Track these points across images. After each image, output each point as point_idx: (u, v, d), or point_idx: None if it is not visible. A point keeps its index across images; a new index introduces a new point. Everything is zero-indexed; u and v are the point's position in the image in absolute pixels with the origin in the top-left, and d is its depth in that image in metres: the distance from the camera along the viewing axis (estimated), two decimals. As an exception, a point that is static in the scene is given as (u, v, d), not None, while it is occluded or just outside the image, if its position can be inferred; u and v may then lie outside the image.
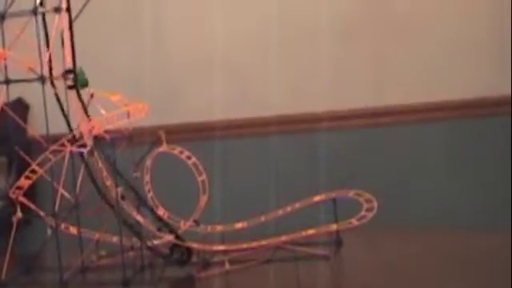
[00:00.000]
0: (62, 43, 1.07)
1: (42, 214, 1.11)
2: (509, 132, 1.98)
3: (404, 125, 2.09)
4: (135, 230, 1.14)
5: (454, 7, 2.09)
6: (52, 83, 1.05)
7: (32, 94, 1.31)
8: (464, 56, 2.07)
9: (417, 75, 2.10)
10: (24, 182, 1.06)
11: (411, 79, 2.10)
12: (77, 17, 1.07)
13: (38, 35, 1.03)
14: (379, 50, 2.10)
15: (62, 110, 1.07)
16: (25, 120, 1.90)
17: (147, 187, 1.21)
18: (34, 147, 1.09)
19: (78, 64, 1.07)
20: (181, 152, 1.19)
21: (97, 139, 1.08)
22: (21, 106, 2.03)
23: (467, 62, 2.07)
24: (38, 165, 1.05)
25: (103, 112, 1.10)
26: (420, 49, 2.09)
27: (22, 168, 1.10)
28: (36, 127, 1.19)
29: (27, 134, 1.35)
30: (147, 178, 1.21)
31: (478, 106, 2.06)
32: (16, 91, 1.08)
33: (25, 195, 1.09)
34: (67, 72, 1.06)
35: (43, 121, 1.06)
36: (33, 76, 1.05)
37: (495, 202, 1.99)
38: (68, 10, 1.06)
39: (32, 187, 1.08)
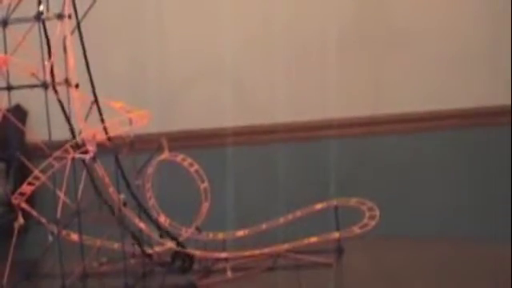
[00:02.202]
0: (64, 50, 1.07)
1: (43, 220, 1.10)
2: (509, 142, 1.98)
3: (404, 134, 2.09)
4: (136, 237, 1.13)
5: (451, 17, 2.09)
6: (54, 89, 1.04)
7: (29, 100, 1.31)
8: (463, 65, 2.08)
9: (416, 84, 2.10)
10: (27, 189, 1.05)
11: (411, 88, 2.10)
12: (79, 23, 1.07)
13: (41, 41, 1.03)
14: (378, 60, 2.11)
15: (65, 114, 1.07)
16: (23, 126, 1.90)
17: (149, 194, 1.21)
18: (31, 153, 1.09)
19: (79, 73, 1.07)
20: (183, 159, 1.19)
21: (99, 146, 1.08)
22: (19, 113, 2.03)
23: (467, 71, 2.08)
24: (40, 171, 1.05)
25: (105, 119, 1.10)
26: (419, 58, 2.09)
27: (20, 174, 1.10)
28: (33, 134, 1.19)
29: (25, 140, 1.35)
30: (149, 185, 1.21)
31: (477, 116, 2.06)
32: (13, 97, 1.08)
33: (25, 201, 1.08)
34: None
35: (39, 127, 1.05)
36: (33, 82, 1.04)
37: (495, 212, 1.99)
38: (71, 17, 1.06)
39: (31, 194, 1.08)
